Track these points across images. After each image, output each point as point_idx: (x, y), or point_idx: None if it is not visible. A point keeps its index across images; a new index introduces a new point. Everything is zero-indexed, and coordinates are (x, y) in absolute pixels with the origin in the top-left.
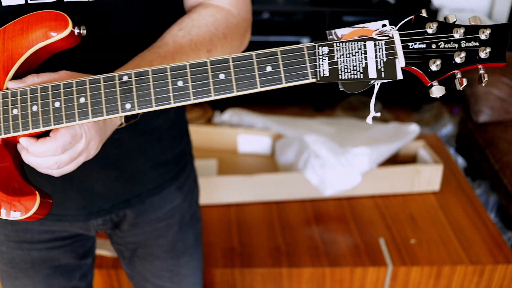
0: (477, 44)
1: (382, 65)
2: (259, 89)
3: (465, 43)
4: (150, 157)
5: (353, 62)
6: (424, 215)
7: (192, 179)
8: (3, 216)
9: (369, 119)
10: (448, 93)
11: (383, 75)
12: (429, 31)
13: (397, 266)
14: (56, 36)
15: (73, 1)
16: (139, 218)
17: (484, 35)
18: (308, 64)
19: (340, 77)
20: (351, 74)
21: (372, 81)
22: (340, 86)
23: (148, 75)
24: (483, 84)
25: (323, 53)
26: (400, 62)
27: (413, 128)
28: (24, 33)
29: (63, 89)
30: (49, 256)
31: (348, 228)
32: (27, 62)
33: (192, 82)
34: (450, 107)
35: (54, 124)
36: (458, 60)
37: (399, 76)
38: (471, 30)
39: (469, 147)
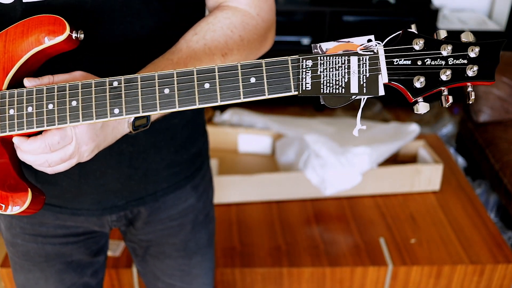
0: (465, 61)
1: (364, 81)
2: (242, 100)
3: (452, 61)
4: (165, 156)
5: (336, 77)
6: (424, 215)
7: (208, 179)
8: None
9: (355, 132)
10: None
11: (365, 91)
12: (416, 47)
13: (397, 266)
14: (53, 40)
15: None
16: (153, 216)
17: (473, 52)
18: (291, 77)
19: (321, 91)
20: (333, 88)
21: (353, 96)
22: (321, 100)
23: (137, 82)
24: (470, 102)
25: (307, 66)
26: (383, 78)
27: (413, 128)
28: (24, 36)
29: (57, 92)
30: (62, 251)
31: (348, 227)
32: (26, 64)
33: (178, 90)
34: (450, 106)
35: (47, 126)
36: (443, 77)
37: (381, 92)
38: (460, 47)
39: (469, 147)
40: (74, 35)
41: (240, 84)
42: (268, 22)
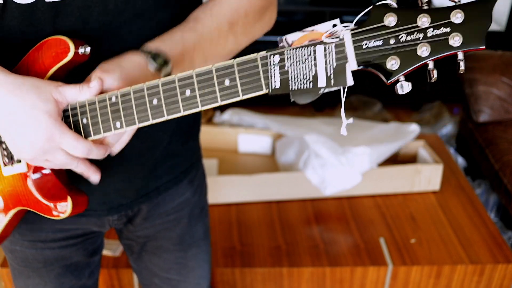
0: (448, 30)
1: (331, 71)
2: (219, 103)
3: (432, 31)
4: (162, 150)
5: (303, 70)
6: (424, 215)
7: (201, 173)
8: (48, 216)
9: (343, 130)
10: (448, 92)
11: (332, 83)
12: (388, 23)
13: (397, 266)
14: (62, 61)
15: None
16: (151, 211)
17: (456, 18)
18: (261, 75)
19: (290, 88)
20: (301, 84)
21: (321, 90)
22: (291, 97)
23: (130, 95)
24: (461, 72)
25: (274, 62)
26: (351, 66)
27: (413, 128)
28: (40, 60)
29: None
30: (61, 254)
31: (348, 227)
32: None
33: (164, 100)
34: (450, 106)
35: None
36: (421, 53)
37: (349, 82)
38: (441, 15)
39: (469, 146)
40: (80, 50)
41: (216, 88)
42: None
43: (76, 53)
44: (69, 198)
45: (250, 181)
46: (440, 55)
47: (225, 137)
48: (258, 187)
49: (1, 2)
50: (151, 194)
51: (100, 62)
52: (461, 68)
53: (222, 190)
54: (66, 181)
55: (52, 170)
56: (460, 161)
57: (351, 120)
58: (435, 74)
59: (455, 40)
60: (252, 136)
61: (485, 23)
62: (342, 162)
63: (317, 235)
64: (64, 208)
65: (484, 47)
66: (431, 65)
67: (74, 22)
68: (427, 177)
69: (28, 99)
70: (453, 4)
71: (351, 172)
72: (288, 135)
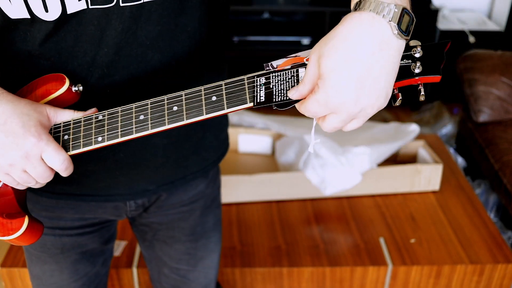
0: (409, 61)
1: None
2: (204, 116)
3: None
4: (194, 143)
5: (286, 87)
6: (424, 215)
7: (216, 167)
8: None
9: (310, 148)
10: (448, 92)
11: None
12: None
13: (397, 266)
14: (55, 93)
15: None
16: (166, 201)
17: (417, 53)
18: (247, 91)
19: (274, 100)
20: (284, 97)
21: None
22: (273, 106)
23: (118, 113)
24: (421, 99)
25: (260, 83)
26: None
27: (413, 128)
28: (33, 92)
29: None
30: (78, 241)
31: (348, 227)
32: None
33: (151, 115)
34: (450, 106)
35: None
36: None
37: None
38: (405, 49)
39: (469, 146)
40: (74, 88)
41: (203, 102)
42: None
43: (69, 89)
44: (26, 218)
45: (250, 181)
46: (405, 79)
47: None
48: (258, 187)
49: (29, 17)
50: (177, 182)
51: (119, 70)
52: (421, 94)
53: (222, 190)
54: (25, 206)
55: (13, 192)
56: (460, 161)
57: (318, 140)
58: (400, 96)
59: (417, 67)
60: (252, 136)
61: (440, 58)
62: (342, 162)
63: (317, 235)
64: (16, 228)
65: (440, 76)
66: (395, 90)
67: (93, 31)
68: (427, 177)
69: (24, 109)
70: (414, 45)
71: (351, 172)
72: (288, 135)
